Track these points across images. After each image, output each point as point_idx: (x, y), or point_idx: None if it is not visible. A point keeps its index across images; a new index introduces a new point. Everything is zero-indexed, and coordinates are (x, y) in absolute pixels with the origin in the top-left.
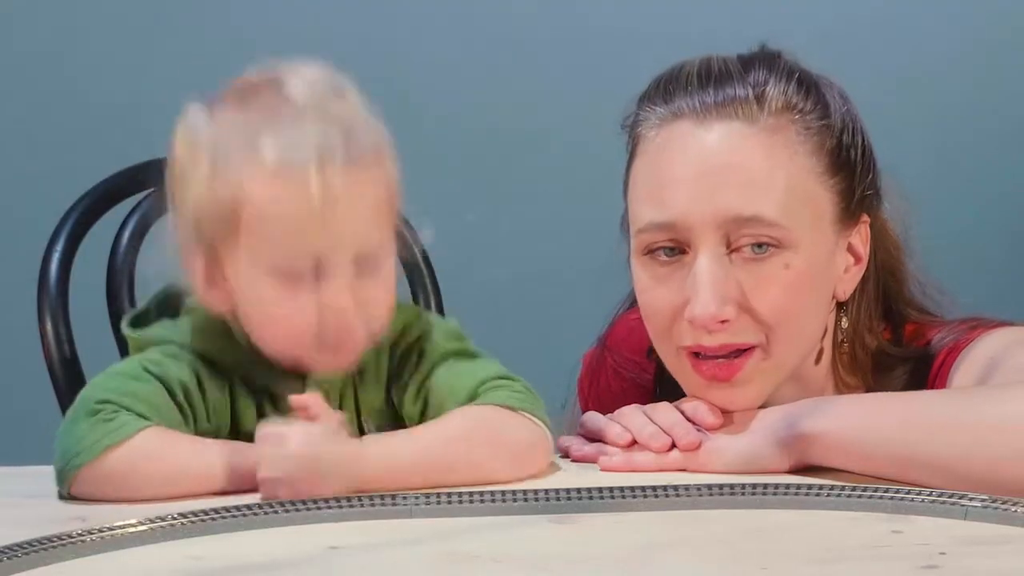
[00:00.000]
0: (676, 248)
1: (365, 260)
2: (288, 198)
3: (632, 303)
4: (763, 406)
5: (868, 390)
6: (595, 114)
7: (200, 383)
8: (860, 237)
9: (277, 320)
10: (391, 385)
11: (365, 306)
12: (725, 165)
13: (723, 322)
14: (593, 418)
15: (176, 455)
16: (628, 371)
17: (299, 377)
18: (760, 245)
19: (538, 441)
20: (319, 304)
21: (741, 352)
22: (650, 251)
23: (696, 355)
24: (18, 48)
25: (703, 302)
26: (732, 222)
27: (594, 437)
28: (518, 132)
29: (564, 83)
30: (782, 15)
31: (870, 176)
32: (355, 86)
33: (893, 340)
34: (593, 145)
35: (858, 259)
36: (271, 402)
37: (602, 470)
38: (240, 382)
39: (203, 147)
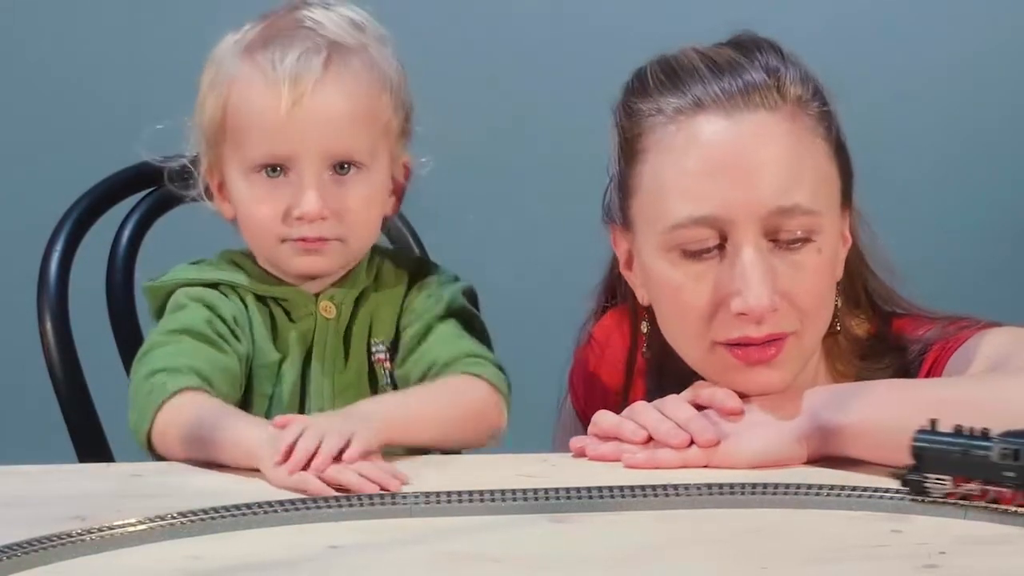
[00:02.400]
0: (714, 243)
1: (343, 169)
2: (262, 92)
3: (606, 302)
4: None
5: (857, 378)
6: (595, 113)
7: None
8: (848, 220)
9: (255, 219)
10: (401, 315)
11: (338, 211)
12: (759, 155)
13: (772, 311)
14: (605, 416)
15: (200, 417)
16: (616, 365)
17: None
18: (799, 236)
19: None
20: (289, 202)
21: (776, 339)
22: (685, 247)
23: (736, 346)
24: (18, 48)
25: (756, 294)
26: (774, 213)
27: (608, 435)
28: (518, 132)
29: (564, 83)
30: (783, 14)
31: (850, 160)
32: (384, 32)
33: (879, 330)
34: (593, 145)
35: (846, 241)
36: (287, 318)
37: (626, 467)
38: (254, 300)
39: (213, 62)
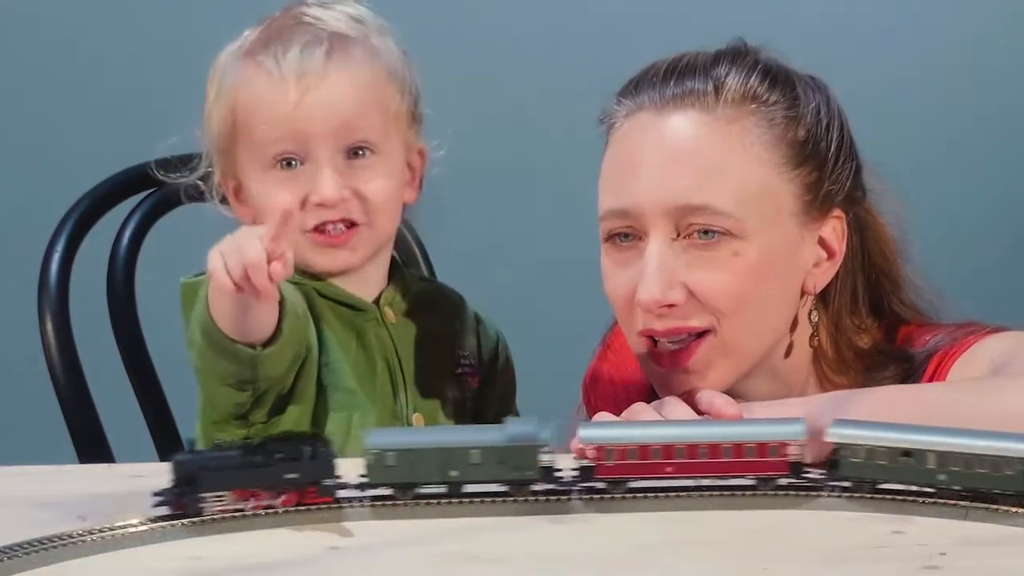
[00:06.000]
0: (633, 234)
1: (357, 154)
2: (268, 88)
3: None
4: (740, 398)
5: (860, 388)
6: (595, 113)
7: None
8: (834, 232)
9: (274, 212)
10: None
11: (357, 195)
12: (679, 153)
13: (670, 306)
14: (605, 419)
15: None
16: (629, 371)
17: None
18: (708, 232)
19: None
20: (306, 190)
21: (694, 338)
22: (610, 237)
23: (652, 340)
24: (19, 49)
25: (648, 286)
26: (682, 209)
27: None
28: (518, 132)
29: (564, 82)
30: (786, 12)
31: (845, 171)
32: (384, 23)
33: (886, 340)
34: (593, 145)
35: (831, 254)
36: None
37: None
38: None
39: (216, 73)
